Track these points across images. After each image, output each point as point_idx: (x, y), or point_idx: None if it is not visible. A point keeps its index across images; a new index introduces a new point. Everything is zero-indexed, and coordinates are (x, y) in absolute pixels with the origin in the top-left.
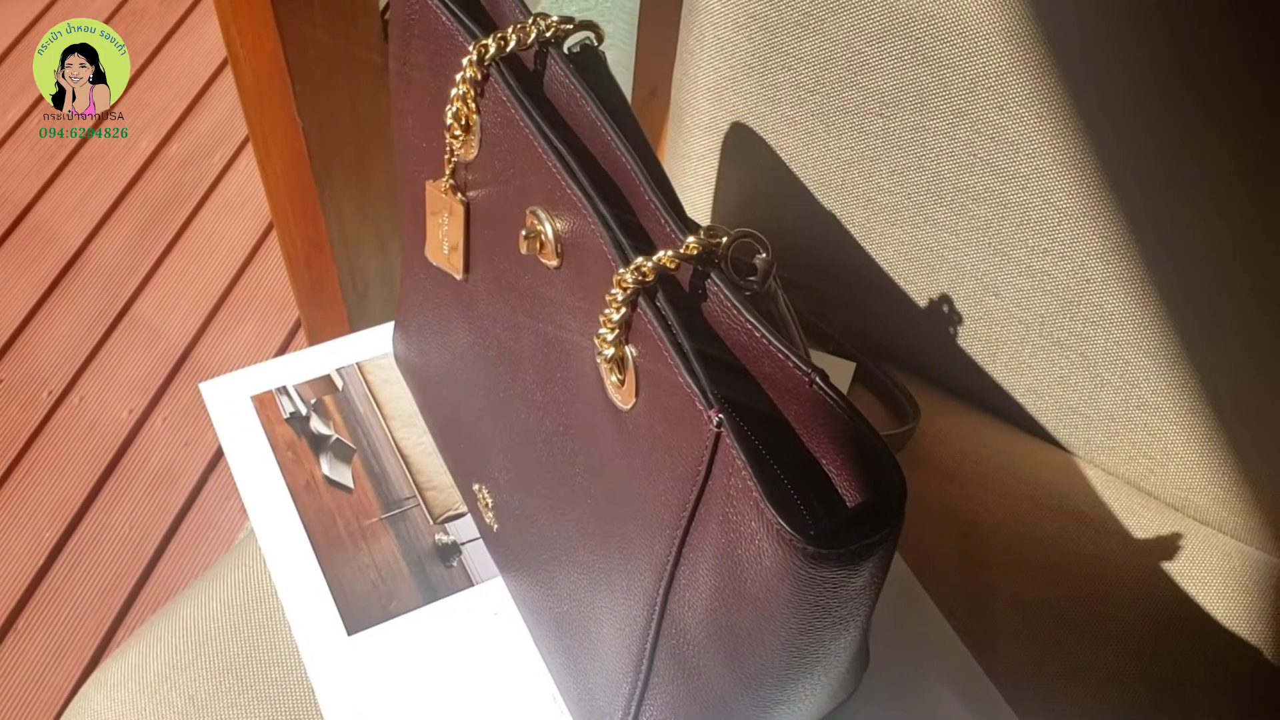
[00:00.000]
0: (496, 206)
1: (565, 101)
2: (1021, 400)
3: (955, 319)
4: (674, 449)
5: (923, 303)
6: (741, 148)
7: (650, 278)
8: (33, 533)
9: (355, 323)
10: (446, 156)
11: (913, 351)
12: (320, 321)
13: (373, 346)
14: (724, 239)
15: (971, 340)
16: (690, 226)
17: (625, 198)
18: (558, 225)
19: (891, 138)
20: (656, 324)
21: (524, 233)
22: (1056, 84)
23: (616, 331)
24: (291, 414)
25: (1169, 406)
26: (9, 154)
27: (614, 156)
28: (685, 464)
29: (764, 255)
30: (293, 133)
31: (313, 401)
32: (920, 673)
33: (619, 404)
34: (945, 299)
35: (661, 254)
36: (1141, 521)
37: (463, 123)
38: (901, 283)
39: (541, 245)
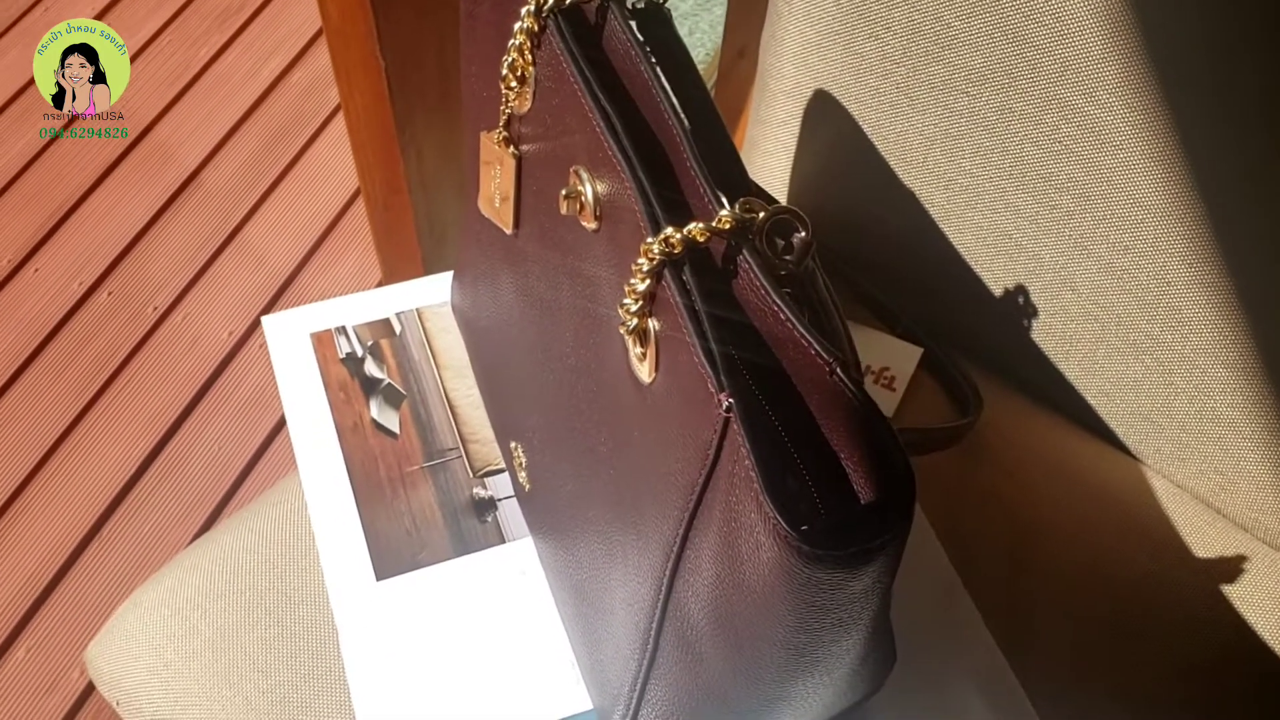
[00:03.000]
0: (545, 162)
1: (623, 60)
2: (1092, 402)
3: (1029, 311)
4: (687, 429)
5: (997, 291)
6: (823, 116)
7: (678, 250)
8: (126, 444)
9: (430, 269)
10: (501, 107)
11: (982, 341)
12: (396, 264)
13: (434, 294)
14: (760, 214)
15: (1045, 335)
16: (733, 199)
17: (671, 165)
18: (598, 187)
19: (976, 118)
20: (679, 298)
21: (564, 192)
22: (1150, 75)
23: (640, 303)
24: (348, 354)
25: (1245, 421)
26: (138, 69)
27: (665, 121)
28: (696, 445)
29: (802, 234)
30: (374, 71)
31: (370, 344)
32: (948, 670)
33: (641, 377)
34: (1020, 289)
35: (692, 226)
36: (1206, 539)
37: (518, 74)
38: (977, 269)
39: (581, 206)
